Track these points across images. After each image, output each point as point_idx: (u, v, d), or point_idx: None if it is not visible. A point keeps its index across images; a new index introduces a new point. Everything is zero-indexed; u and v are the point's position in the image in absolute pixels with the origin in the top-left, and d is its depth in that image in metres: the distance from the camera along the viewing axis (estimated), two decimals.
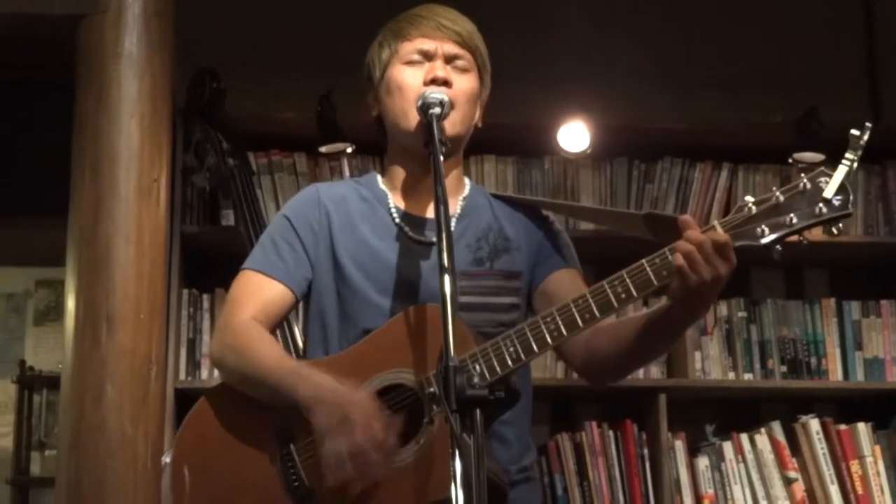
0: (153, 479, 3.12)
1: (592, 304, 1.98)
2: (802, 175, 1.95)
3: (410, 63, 2.23)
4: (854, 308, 4.21)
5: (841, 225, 1.96)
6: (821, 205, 1.93)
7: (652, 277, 1.96)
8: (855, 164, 1.93)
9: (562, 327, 1.99)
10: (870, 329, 4.20)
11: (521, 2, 4.49)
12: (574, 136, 4.10)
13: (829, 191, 1.93)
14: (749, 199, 1.97)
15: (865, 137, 1.94)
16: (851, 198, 1.94)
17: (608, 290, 1.98)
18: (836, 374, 4.16)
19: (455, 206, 2.28)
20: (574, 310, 1.99)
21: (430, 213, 2.21)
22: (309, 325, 2.30)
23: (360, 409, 1.96)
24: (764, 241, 1.95)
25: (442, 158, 2.03)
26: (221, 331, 2.23)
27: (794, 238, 2.00)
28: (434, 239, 2.15)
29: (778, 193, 1.95)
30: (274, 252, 2.26)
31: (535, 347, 2.00)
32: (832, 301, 4.22)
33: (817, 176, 1.94)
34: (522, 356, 2.00)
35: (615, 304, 1.97)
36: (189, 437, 2.21)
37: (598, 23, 4.52)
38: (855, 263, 4.36)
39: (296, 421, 2.07)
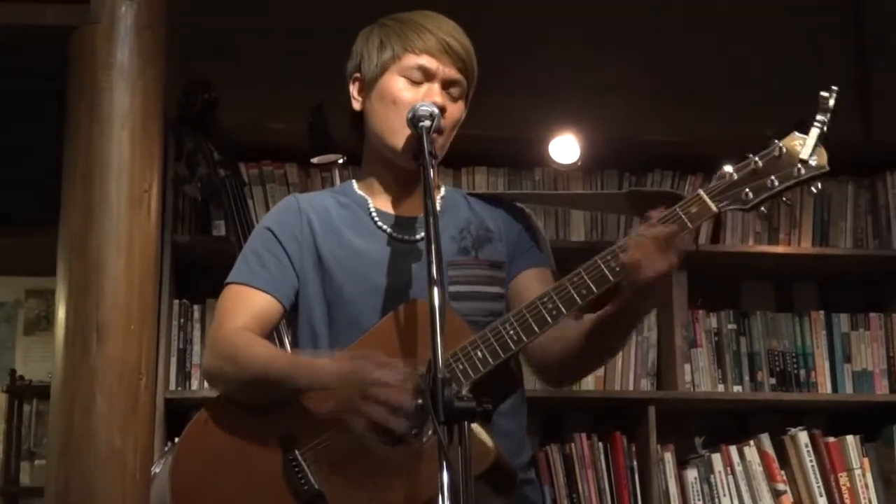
0: (142, 489, 3.12)
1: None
2: (776, 141, 2.03)
3: (409, 79, 2.21)
4: (843, 321, 4.23)
5: (820, 185, 2.03)
6: (798, 166, 2.01)
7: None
8: (825, 127, 2.02)
9: (560, 305, 2.03)
10: (859, 342, 4.22)
11: (514, 15, 4.51)
12: (565, 148, 4.11)
13: (805, 152, 2.01)
14: (727, 167, 2.04)
15: (833, 100, 2.04)
16: (826, 157, 2.02)
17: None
18: (824, 387, 4.17)
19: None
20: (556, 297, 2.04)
21: (412, 212, 2.23)
22: (298, 335, 2.28)
23: (362, 369, 1.97)
24: (750, 204, 2.02)
25: (432, 171, 2.04)
26: (212, 343, 2.21)
27: (779, 199, 2.06)
28: (419, 236, 2.19)
29: (756, 158, 2.03)
30: (258, 263, 2.24)
31: (535, 328, 2.04)
32: (821, 314, 4.23)
33: (791, 140, 2.04)
34: (524, 337, 2.03)
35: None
36: (189, 448, 2.18)
37: (590, 37, 4.54)
38: (844, 276, 4.37)
39: (298, 426, 2.07)
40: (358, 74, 2.29)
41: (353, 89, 2.30)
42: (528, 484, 2.23)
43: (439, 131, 2.17)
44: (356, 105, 2.29)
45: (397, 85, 2.22)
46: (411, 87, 2.21)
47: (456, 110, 2.24)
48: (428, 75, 2.21)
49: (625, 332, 2.17)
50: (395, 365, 1.97)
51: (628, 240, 2.00)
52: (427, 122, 2.10)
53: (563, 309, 2.03)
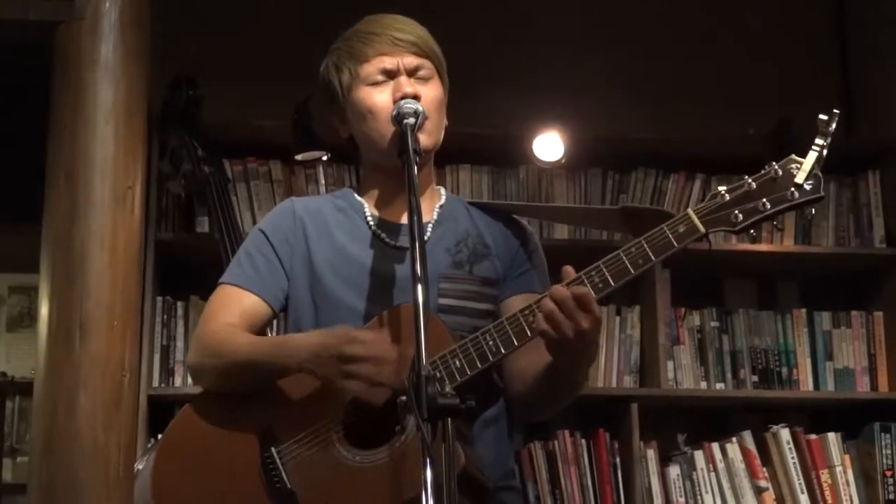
0: (126, 486, 3.11)
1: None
2: (773, 163, 2.02)
3: (375, 84, 2.22)
4: (825, 319, 4.25)
5: (814, 210, 2.03)
6: (792, 189, 2.00)
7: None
8: (825, 151, 2.00)
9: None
10: (840, 340, 4.24)
11: (498, 14, 4.51)
12: (549, 146, 4.12)
13: (801, 176, 2.00)
14: (721, 188, 2.04)
15: (833, 124, 2.01)
16: (822, 182, 2.00)
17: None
18: (806, 385, 4.19)
19: (431, 213, 2.29)
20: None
21: (405, 219, 2.23)
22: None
23: (339, 344, 2.00)
24: (738, 226, 2.02)
25: (416, 169, 2.04)
26: (196, 339, 2.24)
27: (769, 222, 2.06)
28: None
29: (750, 181, 2.03)
30: (249, 265, 2.26)
31: (515, 340, 2.03)
32: (803, 312, 4.25)
33: (788, 163, 2.02)
34: (502, 349, 2.03)
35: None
36: (172, 445, 2.20)
37: (574, 35, 4.55)
38: (826, 274, 4.39)
39: (278, 423, 2.09)
40: (334, 105, 2.30)
41: (336, 121, 2.31)
42: (507, 491, 2.23)
43: (425, 117, 2.17)
44: (343, 134, 2.31)
45: (366, 95, 2.23)
46: (380, 90, 2.22)
47: (431, 91, 2.23)
48: (390, 73, 2.22)
49: (565, 384, 2.15)
50: (371, 340, 1.99)
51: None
52: (411, 120, 2.11)
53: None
